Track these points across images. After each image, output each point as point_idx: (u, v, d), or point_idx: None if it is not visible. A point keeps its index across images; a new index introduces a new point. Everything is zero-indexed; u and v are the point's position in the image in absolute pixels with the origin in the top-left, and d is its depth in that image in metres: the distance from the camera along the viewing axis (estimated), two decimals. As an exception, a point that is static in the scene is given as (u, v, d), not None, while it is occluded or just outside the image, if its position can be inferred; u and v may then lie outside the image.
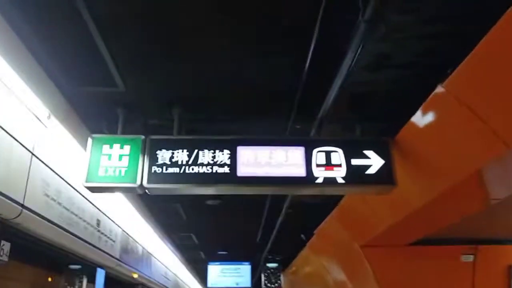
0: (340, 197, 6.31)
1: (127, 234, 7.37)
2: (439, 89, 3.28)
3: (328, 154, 3.93)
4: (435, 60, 3.47)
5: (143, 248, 8.86)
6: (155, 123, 4.40)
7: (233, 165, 3.85)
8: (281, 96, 4.09)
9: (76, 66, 3.57)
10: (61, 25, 3.15)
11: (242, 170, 3.84)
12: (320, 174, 3.85)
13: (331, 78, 3.58)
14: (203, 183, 3.80)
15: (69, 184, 4.57)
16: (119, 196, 6.25)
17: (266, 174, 3.84)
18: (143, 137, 3.93)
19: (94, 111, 4.13)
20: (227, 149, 3.90)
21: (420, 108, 3.62)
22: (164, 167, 3.82)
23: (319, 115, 4.09)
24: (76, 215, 4.77)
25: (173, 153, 3.87)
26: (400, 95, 3.92)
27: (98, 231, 5.65)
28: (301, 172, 3.86)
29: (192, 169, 3.82)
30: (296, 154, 3.92)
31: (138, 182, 3.76)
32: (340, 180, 3.83)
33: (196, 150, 3.89)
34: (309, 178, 3.84)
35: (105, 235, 5.95)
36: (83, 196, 4.99)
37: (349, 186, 3.86)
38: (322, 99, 3.89)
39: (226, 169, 3.84)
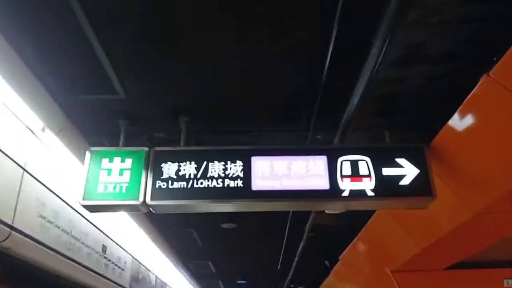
0: (366, 218, 5.78)
1: (138, 261, 6.91)
2: (485, 79, 2.80)
3: (354, 164, 3.46)
4: (478, 48, 3.00)
5: (156, 277, 8.37)
6: (161, 136, 4.01)
7: (246, 178, 3.41)
8: (298, 101, 3.66)
9: (71, 72, 3.23)
10: (53, 28, 2.82)
11: (257, 184, 3.40)
12: (346, 186, 3.37)
13: (354, 78, 3.14)
14: (214, 198, 3.36)
15: (69, 205, 4.18)
16: (127, 219, 5.83)
17: (285, 188, 3.38)
18: (146, 149, 3.53)
19: (94, 122, 3.76)
20: (240, 160, 3.48)
21: (461, 105, 3.14)
22: (170, 182, 3.40)
23: (342, 122, 3.63)
24: (77, 240, 4.35)
25: (179, 166, 3.46)
26: (436, 94, 3.45)
27: (105, 257, 5.22)
28: (324, 184, 3.39)
29: (201, 183, 3.40)
30: (318, 164, 3.47)
31: (141, 199, 3.35)
32: (370, 193, 3.34)
33: (205, 162, 3.47)
34: (334, 191, 3.36)
35: (113, 263, 5.50)
36: (86, 218, 4.59)
37: (380, 199, 3.36)
38: (345, 102, 3.45)
39: (239, 183, 3.40)
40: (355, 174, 3.42)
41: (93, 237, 4.83)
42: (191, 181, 3.40)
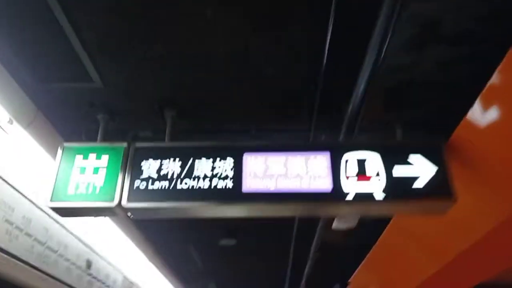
0: (379, 236, 5.29)
1: (131, 281, 6.43)
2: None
3: (361, 162, 3.01)
4: (503, 25, 2.58)
5: (154, 299, 7.84)
6: (147, 136, 3.62)
7: (237, 177, 2.98)
8: (297, 94, 3.27)
9: (39, 55, 2.88)
10: (19, 7, 2.48)
11: (249, 184, 2.96)
12: (352, 188, 2.92)
13: (358, 64, 2.74)
14: (199, 201, 2.93)
15: (44, 212, 3.76)
16: (117, 232, 5.40)
17: (280, 190, 2.93)
18: (125, 144, 3.13)
19: (69, 114, 3.38)
20: (230, 156, 3.05)
21: (483, 91, 2.71)
22: (150, 182, 2.98)
23: (346, 117, 3.21)
24: (54, 252, 3.92)
25: (162, 164, 3.04)
26: (454, 82, 3.03)
27: (89, 274, 4.76)
28: (326, 185, 2.94)
29: (185, 183, 2.97)
30: (319, 162, 3.02)
31: (116, 201, 2.92)
32: (379, 196, 2.88)
33: (191, 159, 3.05)
34: (337, 193, 2.91)
35: (99, 280, 5.04)
36: (66, 228, 4.16)
37: (390, 203, 2.89)
38: (348, 94, 3.03)
39: (228, 183, 2.97)
40: (362, 174, 2.97)
41: (75, 250, 4.40)
42: (174, 181, 2.98)
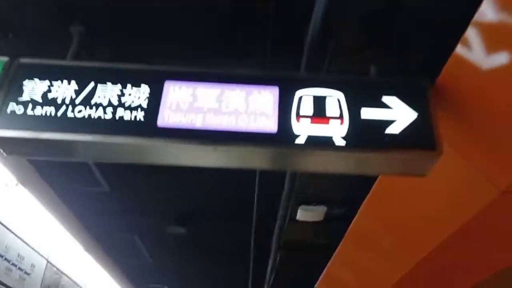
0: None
1: (59, 270, 5.51)
2: None
3: (319, 101, 2.27)
4: None
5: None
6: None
7: (152, 109, 2.21)
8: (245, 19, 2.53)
9: None
10: None
11: (167, 118, 2.19)
12: (304, 130, 2.17)
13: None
14: (93, 133, 2.14)
15: None
16: (42, 211, 4.57)
17: (208, 127, 2.17)
18: (7, 58, 2.34)
19: None
20: (146, 83, 2.28)
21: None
22: (31, 106, 2.19)
23: (305, 48, 2.48)
24: None
25: (51, 86, 2.25)
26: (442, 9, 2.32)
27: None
28: (270, 126, 2.18)
29: (79, 111, 2.19)
30: (264, 98, 2.27)
31: (-24, 127, 2.13)
32: (339, 141, 2.14)
33: (91, 83, 2.27)
34: (284, 135, 2.16)
35: (8, 261, 4.16)
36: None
37: (353, 151, 2.15)
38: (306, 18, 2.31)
39: (139, 115, 2.19)
40: (320, 115, 2.22)
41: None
42: (64, 107, 2.19)
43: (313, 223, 5.25)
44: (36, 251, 4.80)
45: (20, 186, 4.13)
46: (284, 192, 4.21)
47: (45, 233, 4.91)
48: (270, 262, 6.53)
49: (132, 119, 2.18)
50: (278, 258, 6.43)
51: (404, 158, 2.16)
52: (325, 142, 2.14)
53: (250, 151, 2.18)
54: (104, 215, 5.22)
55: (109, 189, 4.59)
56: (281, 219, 5.03)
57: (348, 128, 2.17)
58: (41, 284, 4.90)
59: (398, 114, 2.21)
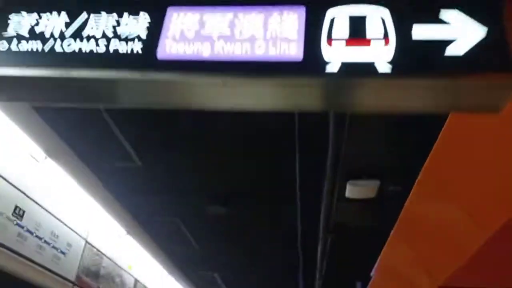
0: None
1: (99, 251, 5.35)
2: None
3: (357, 21, 1.79)
4: None
5: (137, 280, 6.72)
6: None
7: (151, 40, 1.84)
8: None
9: None
10: None
11: (169, 49, 1.81)
12: (337, 55, 1.71)
13: None
14: (83, 68, 1.80)
15: None
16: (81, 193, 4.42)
17: (218, 57, 1.77)
18: (-9, -9, 2.07)
19: None
20: (145, 11, 1.92)
21: None
22: (16, 42, 1.90)
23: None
24: None
25: (39, 19, 1.95)
26: None
27: (20, 225, 3.74)
28: (293, 52, 1.74)
29: (69, 44, 1.86)
30: (287, 21, 1.83)
31: (-46, 66, 1.86)
32: (383, 67, 1.65)
33: (83, 14, 1.94)
34: (311, 62, 1.70)
35: (40, 238, 4.00)
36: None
37: (404, 78, 1.66)
38: None
39: (136, 47, 1.83)
40: (357, 36, 1.75)
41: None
42: (52, 41, 1.88)
43: (365, 201, 4.73)
44: (73, 230, 4.65)
45: (49, 160, 3.96)
46: (329, 162, 3.74)
47: (81, 211, 4.74)
48: (319, 247, 6.07)
49: (129, 51, 1.82)
50: (328, 242, 5.97)
51: (471, 84, 1.63)
52: (365, 69, 1.67)
53: (269, 85, 1.75)
54: (139, 193, 4.99)
55: (141, 164, 4.33)
56: (328, 196, 4.55)
57: (396, 51, 1.68)
58: (79, 264, 4.74)
59: (461, 31, 1.69)
